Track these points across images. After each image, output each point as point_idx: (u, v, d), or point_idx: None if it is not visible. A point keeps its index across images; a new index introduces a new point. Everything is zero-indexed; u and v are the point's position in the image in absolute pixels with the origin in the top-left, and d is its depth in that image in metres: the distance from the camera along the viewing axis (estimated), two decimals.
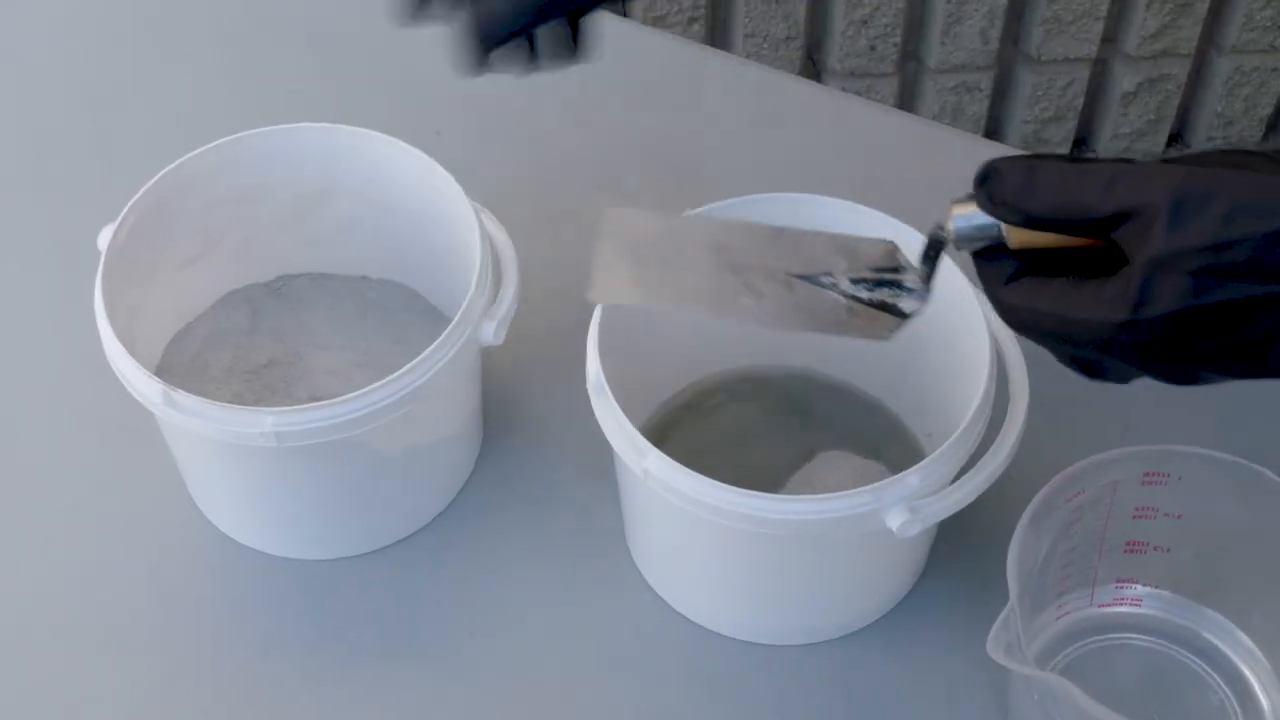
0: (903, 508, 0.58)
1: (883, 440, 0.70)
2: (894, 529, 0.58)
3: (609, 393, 0.60)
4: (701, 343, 0.71)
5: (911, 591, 0.67)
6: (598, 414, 0.61)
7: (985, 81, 1.50)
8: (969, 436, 0.60)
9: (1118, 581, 0.66)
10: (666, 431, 0.70)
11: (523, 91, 0.88)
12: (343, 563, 0.69)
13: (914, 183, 0.81)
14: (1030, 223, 0.49)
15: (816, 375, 0.72)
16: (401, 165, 0.70)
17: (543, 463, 0.72)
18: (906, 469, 0.58)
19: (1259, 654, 0.65)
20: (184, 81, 0.89)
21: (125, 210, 0.67)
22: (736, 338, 0.71)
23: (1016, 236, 0.50)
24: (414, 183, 0.70)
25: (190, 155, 0.69)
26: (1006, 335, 0.63)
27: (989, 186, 0.49)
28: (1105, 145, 1.58)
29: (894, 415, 0.70)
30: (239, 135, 0.70)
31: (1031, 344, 0.63)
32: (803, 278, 0.51)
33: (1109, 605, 0.66)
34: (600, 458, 0.66)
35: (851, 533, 0.59)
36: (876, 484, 0.58)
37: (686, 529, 0.62)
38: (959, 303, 0.64)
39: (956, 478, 0.60)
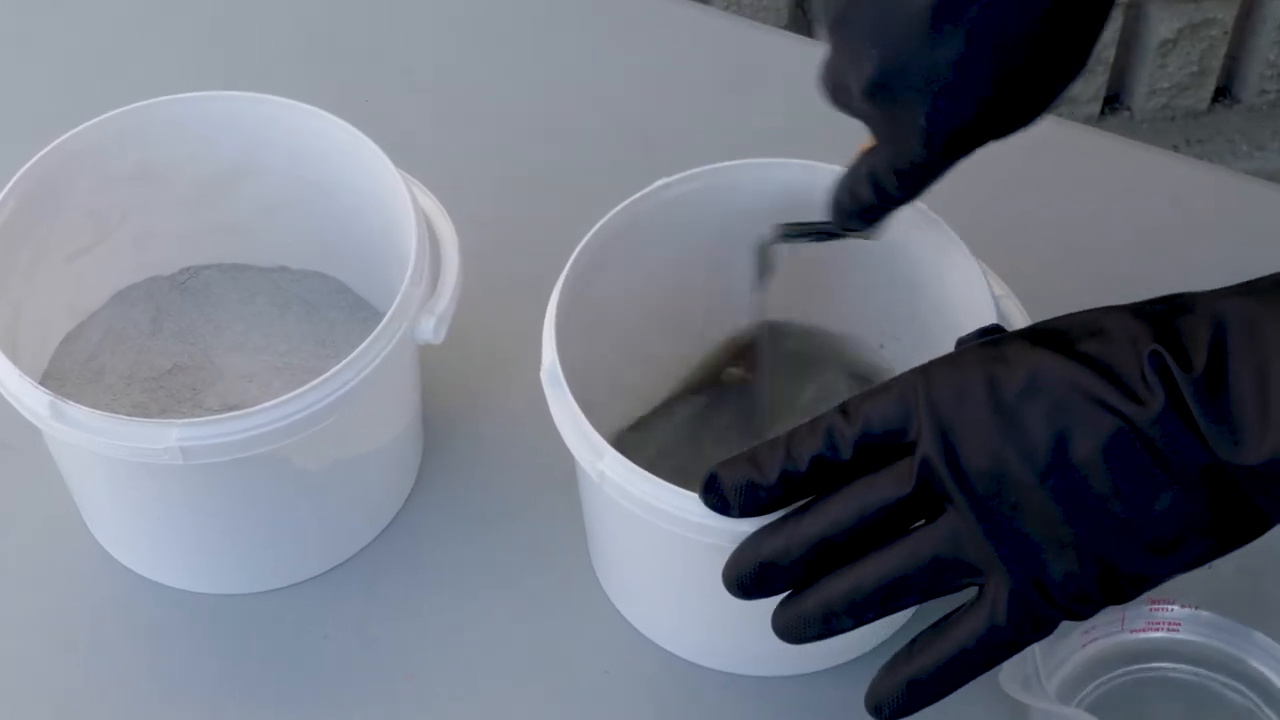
0: None
1: None
2: None
3: (564, 384, 0.61)
4: (683, 335, 0.71)
5: (915, 614, 0.67)
6: (552, 408, 0.61)
7: None
8: None
9: (1151, 603, 0.66)
10: (639, 435, 0.71)
11: (465, 54, 0.88)
12: (262, 597, 0.69)
13: None
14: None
15: (806, 371, 0.73)
16: (326, 139, 0.70)
17: (493, 476, 0.72)
18: None
19: None
20: (72, 42, 0.89)
21: (3, 194, 0.67)
22: (728, 331, 0.71)
23: None
24: (340, 159, 0.70)
25: (80, 128, 0.69)
26: (1017, 311, 0.64)
27: (709, 495, 0.56)
28: (1141, 101, 1.59)
29: None
30: (137, 105, 0.70)
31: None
32: None
33: (1142, 630, 0.67)
34: (560, 469, 0.66)
35: None
36: None
37: (653, 545, 0.63)
38: (959, 277, 0.64)
39: None
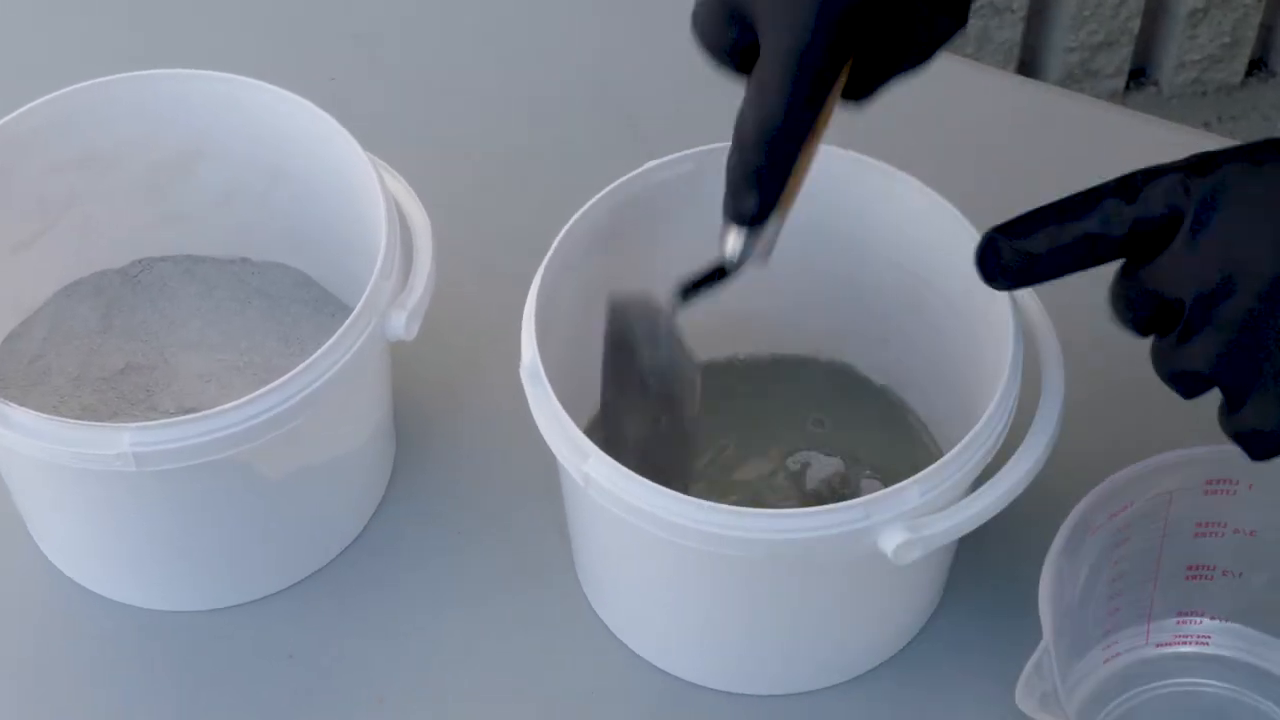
0: (900, 526, 0.58)
1: (887, 438, 0.71)
2: (888, 553, 0.58)
3: (546, 381, 0.61)
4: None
5: (922, 631, 0.68)
6: (533, 407, 0.61)
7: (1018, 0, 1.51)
8: (986, 438, 0.60)
9: (1179, 615, 0.67)
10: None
11: (437, 28, 0.88)
12: (220, 614, 0.69)
13: (928, 129, 0.82)
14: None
15: (811, 363, 0.73)
16: (288, 120, 0.70)
17: (471, 483, 0.73)
18: (906, 477, 0.59)
19: None
20: (12, 16, 0.89)
21: None
22: (716, 321, 0.71)
23: None
24: (304, 141, 0.70)
25: (22, 110, 0.69)
26: (1037, 311, 0.65)
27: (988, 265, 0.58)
28: (1169, 75, 1.59)
29: (904, 406, 0.72)
30: (83, 85, 0.70)
31: (1068, 323, 0.64)
32: None
33: (1169, 644, 0.67)
34: (543, 474, 0.66)
35: (838, 557, 0.60)
36: (868, 496, 0.58)
37: (645, 553, 0.63)
38: (970, 266, 0.65)
39: (971, 490, 0.61)
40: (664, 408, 0.64)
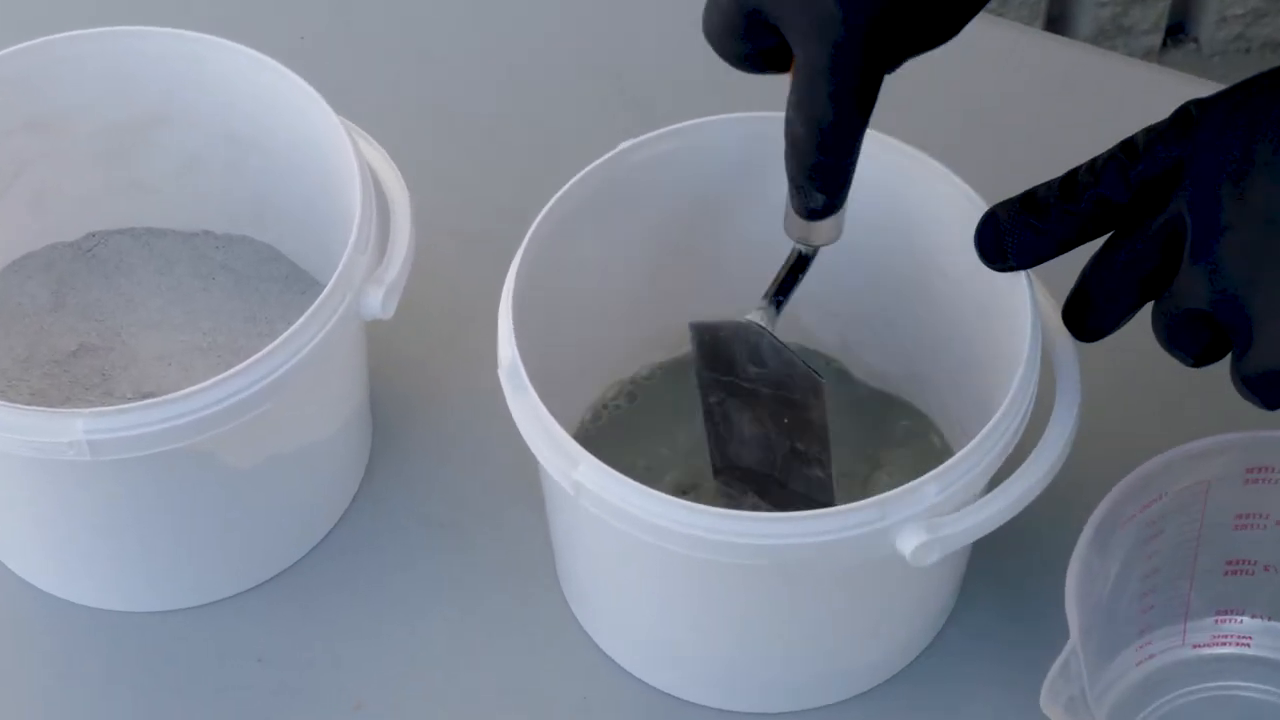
0: (918, 527, 0.58)
1: (891, 438, 0.71)
2: (906, 555, 0.58)
3: (527, 382, 0.61)
4: (663, 318, 0.71)
5: (938, 637, 0.68)
6: (513, 411, 0.61)
7: None
8: (1005, 430, 0.60)
9: (1218, 614, 0.67)
10: (612, 437, 0.71)
11: None
12: (183, 616, 0.69)
13: (946, 92, 0.81)
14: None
15: (810, 354, 0.73)
16: (255, 82, 0.70)
17: (452, 473, 0.73)
18: (922, 474, 0.59)
19: None
20: None
21: None
22: (709, 309, 0.72)
23: None
24: (272, 105, 0.70)
25: None
26: (1047, 295, 0.64)
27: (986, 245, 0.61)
28: (1209, 31, 1.59)
29: (906, 404, 0.72)
30: (34, 42, 0.70)
31: None
32: None
33: (1207, 645, 0.67)
34: (530, 466, 0.66)
35: (850, 561, 0.60)
36: (883, 495, 0.58)
37: (636, 564, 0.63)
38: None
39: (991, 486, 0.61)
40: (785, 408, 0.65)
